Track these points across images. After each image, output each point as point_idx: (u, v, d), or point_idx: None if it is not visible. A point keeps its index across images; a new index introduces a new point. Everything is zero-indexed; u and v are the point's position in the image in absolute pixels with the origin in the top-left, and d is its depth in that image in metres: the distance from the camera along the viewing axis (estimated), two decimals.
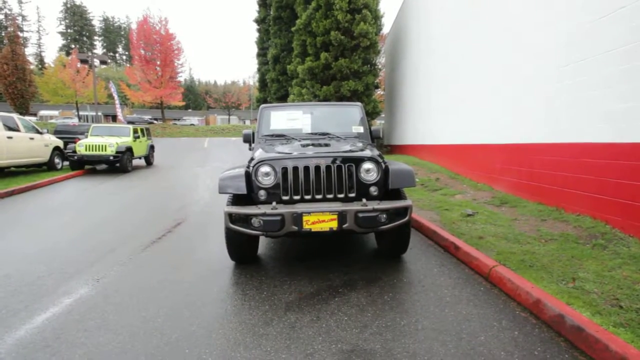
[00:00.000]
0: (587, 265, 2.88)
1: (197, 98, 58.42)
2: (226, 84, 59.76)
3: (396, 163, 3.18)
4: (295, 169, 2.90)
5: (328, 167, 2.91)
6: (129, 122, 22.91)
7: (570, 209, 4.27)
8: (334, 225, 2.70)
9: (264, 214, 2.68)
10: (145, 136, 13.32)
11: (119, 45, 73.17)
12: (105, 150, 10.38)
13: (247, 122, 53.82)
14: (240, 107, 56.07)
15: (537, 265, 2.91)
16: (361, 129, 4.23)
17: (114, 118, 34.85)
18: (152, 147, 13.55)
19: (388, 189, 2.99)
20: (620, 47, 3.64)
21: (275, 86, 17.28)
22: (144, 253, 3.57)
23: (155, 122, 36.14)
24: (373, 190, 2.95)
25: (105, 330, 2.14)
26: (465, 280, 2.84)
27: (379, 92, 17.21)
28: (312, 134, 4.09)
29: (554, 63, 4.69)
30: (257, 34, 22.02)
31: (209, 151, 19.07)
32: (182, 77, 41.17)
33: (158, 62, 33.68)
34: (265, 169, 2.92)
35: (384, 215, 2.75)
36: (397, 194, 3.11)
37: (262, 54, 21.63)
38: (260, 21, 21.04)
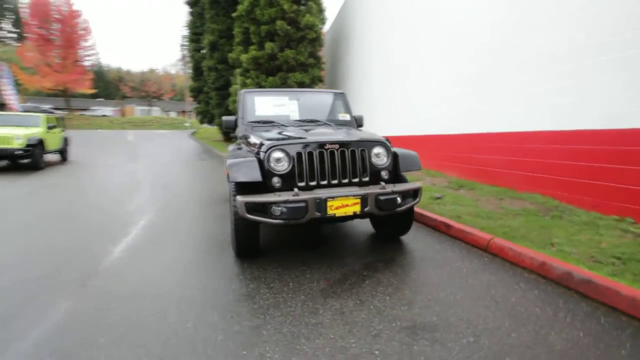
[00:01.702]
0: (555, 232, 3.39)
1: (108, 86, 51.68)
2: (143, 72, 54.09)
3: (399, 148, 3.29)
4: (310, 154, 2.81)
5: (342, 152, 2.88)
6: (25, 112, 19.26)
7: (521, 188, 4.95)
8: (357, 209, 2.70)
9: (287, 201, 2.54)
10: (61, 127, 11.41)
11: (1, 21, 60.53)
12: (11, 144, 8.62)
13: (173, 115, 49.64)
14: (163, 98, 51.40)
15: (518, 236, 3.31)
16: (347, 117, 4.27)
17: (2, 107, 28.88)
18: (66, 140, 11.66)
19: (398, 172, 3.09)
20: (559, 51, 4.31)
21: (213, 75, 16.21)
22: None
23: (56, 112, 31.05)
24: (384, 174, 3.02)
25: None
26: (468, 253, 3.10)
27: (322, 86, 17.39)
28: (300, 120, 3.98)
29: (500, 64, 5.33)
30: (189, 17, 20.31)
31: (137, 145, 17.16)
32: (90, 62, 35.99)
33: (59, 43, 28.93)
34: (278, 154, 2.77)
35: (400, 197, 2.84)
36: (400, 177, 3.23)
37: (195, 39, 20.03)
38: (193, 3, 19.42)
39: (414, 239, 3.53)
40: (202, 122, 21.15)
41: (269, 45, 12.79)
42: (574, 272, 2.36)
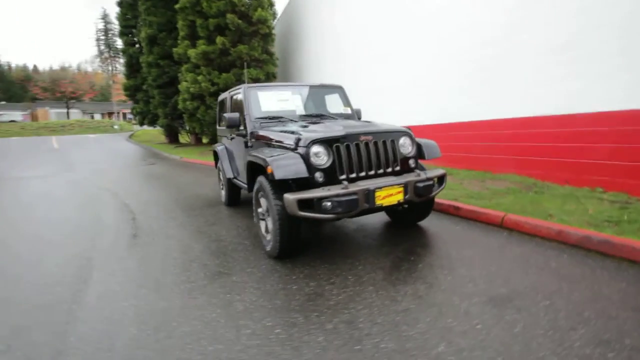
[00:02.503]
0: (546, 205, 3.85)
1: (11, 87, 44.43)
2: (54, 70, 47.60)
3: (419, 138, 3.44)
4: (348, 146, 2.81)
5: (375, 143, 2.93)
6: None
7: (497, 170, 5.51)
8: (400, 197, 2.77)
9: (338, 195, 2.52)
10: None
11: None
12: None
13: (98, 117, 44.53)
14: (84, 99, 45.84)
15: (517, 211, 3.71)
16: (349, 110, 4.32)
17: None
18: None
19: (424, 159, 3.24)
20: (516, 50, 4.87)
21: (155, 71, 14.87)
22: None
23: None
24: (412, 162, 3.15)
25: None
26: (486, 230, 3.39)
27: (274, 81, 17.06)
28: (306, 115, 3.93)
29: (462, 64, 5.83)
30: (118, 9, 18.24)
31: (66, 153, 15.14)
32: None
33: None
34: (319, 148, 2.71)
35: (436, 183, 3.00)
36: (419, 166, 3.38)
37: (126, 32, 18.11)
38: None
39: (430, 223, 3.73)
40: (141, 123, 19.33)
41: (220, 40, 12.18)
42: (592, 235, 2.74)
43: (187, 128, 17.38)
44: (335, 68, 10.79)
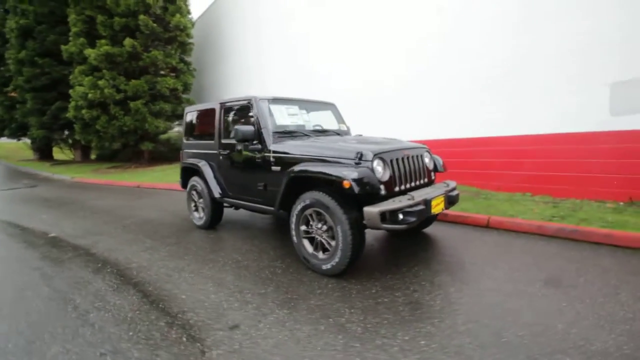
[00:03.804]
0: (500, 207, 4.80)
1: None
2: None
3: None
4: (398, 160, 3.02)
5: (411, 158, 3.23)
6: None
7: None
8: (443, 206, 3.12)
9: (411, 206, 2.70)
10: None
11: None
12: None
13: None
14: None
15: (489, 214, 4.54)
16: (344, 127, 4.52)
17: None
18: None
19: (438, 171, 3.68)
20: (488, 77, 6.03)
21: (29, 70, 11.80)
22: None
23: None
24: (432, 175, 3.56)
25: None
26: (479, 231, 4.03)
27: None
28: (314, 131, 3.98)
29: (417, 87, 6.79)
30: None
31: None
32: None
33: None
34: (381, 162, 2.85)
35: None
36: None
37: None
38: None
39: (427, 229, 4.20)
40: None
41: (129, 42, 10.74)
42: (564, 227, 3.62)
43: (70, 141, 14.34)
44: (261, 80, 10.76)
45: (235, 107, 3.96)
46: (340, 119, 4.57)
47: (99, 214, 5.73)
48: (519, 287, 2.54)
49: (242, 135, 3.47)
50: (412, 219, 2.67)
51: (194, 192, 4.64)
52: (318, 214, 2.90)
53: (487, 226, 4.15)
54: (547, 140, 5.19)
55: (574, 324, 2.04)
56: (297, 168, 3.02)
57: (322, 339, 2.01)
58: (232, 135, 3.67)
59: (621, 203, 4.46)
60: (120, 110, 10.92)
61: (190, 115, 4.82)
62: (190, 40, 12.38)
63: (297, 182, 3.07)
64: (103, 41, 10.82)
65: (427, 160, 3.49)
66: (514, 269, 2.89)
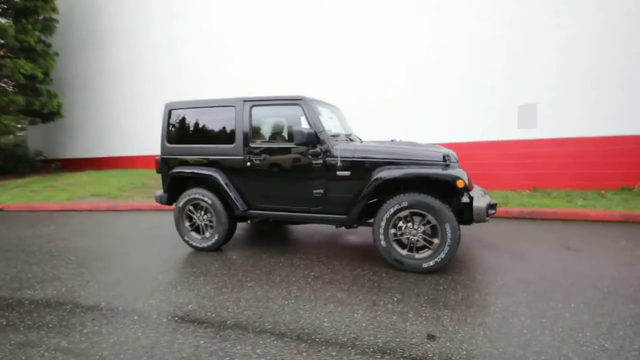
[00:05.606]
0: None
1: None
2: None
3: None
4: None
5: None
6: None
7: None
8: None
9: (492, 202, 3.13)
10: None
11: None
12: None
13: None
14: None
15: None
16: (350, 131, 4.61)
17: None
18: None
19: None
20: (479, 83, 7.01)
21: None
22: None
23: None
24: None
25: None
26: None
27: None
28: (335, 134, 3.95)
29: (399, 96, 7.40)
30: None
31: None
32: None
33: None
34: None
35: None
36: None
37: None
38: None
39: None
40: None
41: None
42: (523, 210, 4.83)
43: None
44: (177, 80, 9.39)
45: (274, 107, 3.50)
46: (345, 123, 4.60)
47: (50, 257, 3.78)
48: None
49: (307, 139, 3.14)
50: (494, 212, 3.10)
51: (190, 208, 3.76)
52: (414, 215, 2.97)
53: None
54: (476, 147, 6.68)
55: None
56: (385, 174, 2.99)
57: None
58: (293, 138, 3.20)
59: (527, 190, 6.23)
60: None
61: (177, 113, 3.88)
62: (55, 16, 9.49)
63: (384, 186, 3.04)
64: None
65: None
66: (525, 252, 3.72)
